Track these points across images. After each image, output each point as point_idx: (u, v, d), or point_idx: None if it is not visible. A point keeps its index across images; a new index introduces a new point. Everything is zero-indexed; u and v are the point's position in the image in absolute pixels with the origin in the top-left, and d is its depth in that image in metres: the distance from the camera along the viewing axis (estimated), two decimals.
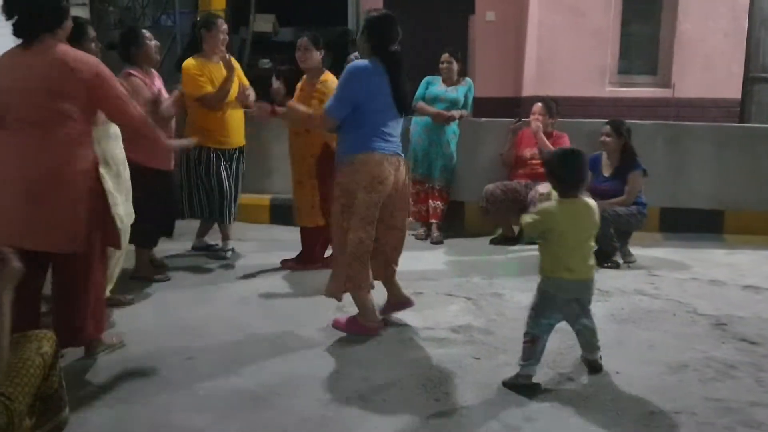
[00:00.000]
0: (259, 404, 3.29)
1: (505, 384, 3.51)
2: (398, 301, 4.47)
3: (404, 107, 4.25)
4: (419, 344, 4.07)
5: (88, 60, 3.54)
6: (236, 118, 5.68)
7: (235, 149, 5.74)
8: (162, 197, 5.06)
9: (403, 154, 4.29)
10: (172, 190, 5.34)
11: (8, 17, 3.44)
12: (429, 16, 10.40)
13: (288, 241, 5.63)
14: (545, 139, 6.44)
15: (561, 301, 3.53)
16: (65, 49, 3.50)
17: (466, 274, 5.46)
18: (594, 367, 3.69)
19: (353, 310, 4.38)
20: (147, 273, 5.18)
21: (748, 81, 10.13)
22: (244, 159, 5.89)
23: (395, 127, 4.22)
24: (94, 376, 3.55)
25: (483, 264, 5.84)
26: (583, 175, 3.57)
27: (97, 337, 3.74)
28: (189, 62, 5.46)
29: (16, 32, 3.45)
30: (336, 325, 4.29)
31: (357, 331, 4.21)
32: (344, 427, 3.11)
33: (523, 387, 3.46)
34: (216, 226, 5.97)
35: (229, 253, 5.89)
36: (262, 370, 3.66)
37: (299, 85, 5.49)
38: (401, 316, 4.49)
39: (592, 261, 3.60)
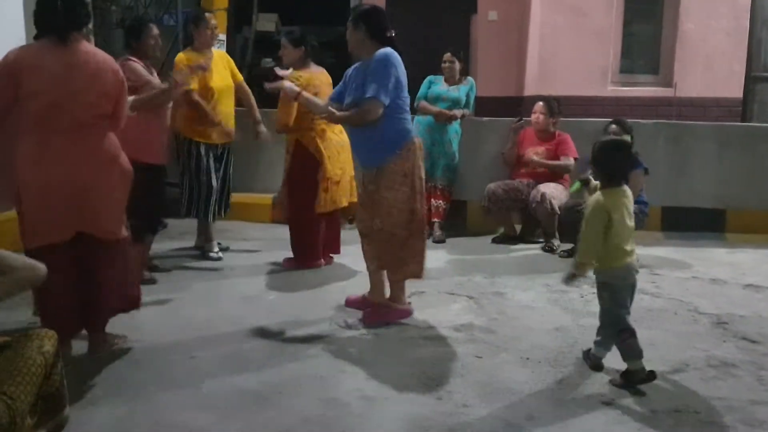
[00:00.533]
0: (261, 403, 3.29)
1: (618, 385, 3.52)
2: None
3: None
4: (421, 343, 4.07)
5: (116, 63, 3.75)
6: (224, 114, 5.66)
7: (223, 146, 5.73)
8: (153, 192, 4.93)
9: None
10: (163, 185, 5.28)
11: (42, 13, 3.51)
12: (431, 15, 10.40)
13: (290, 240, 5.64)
14: (545, 161, 6.46)
15: (628, 285, 3.65)
16: (99, 50, 3.65)
17: (468, 273, 5.47)
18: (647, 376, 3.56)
19: (352, 310, 4.44)
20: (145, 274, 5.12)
21: (750, 80, 10.15)
22: (232, 157, 5.86)
23: None
24: (95, 375, 3.55)
25: (485, 263, 5.85)
26: (629, 165, 3.76)
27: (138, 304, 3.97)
28: (181, 56, 5.54)
29: (49, 29, 3.49)
30: (372, 321, 4.34)
31: (398, 317, 4.40)
32: (346, 426, 3.11)
33: (643, 379, 3.50)
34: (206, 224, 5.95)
35: (215, 254, 5.85)
36: (265, 370, 3.67)
37: None
38: None
39: None
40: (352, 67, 4.40)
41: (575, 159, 6.48)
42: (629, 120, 6.27)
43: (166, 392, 3.39)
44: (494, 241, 6.63)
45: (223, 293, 4.96)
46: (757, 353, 3.96)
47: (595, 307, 4.45)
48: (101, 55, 3.62)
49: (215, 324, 4.32)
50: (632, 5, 10.15)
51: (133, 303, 3.92)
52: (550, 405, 3.31)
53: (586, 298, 4.82)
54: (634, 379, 3.51)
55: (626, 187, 3.68)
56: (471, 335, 4.19)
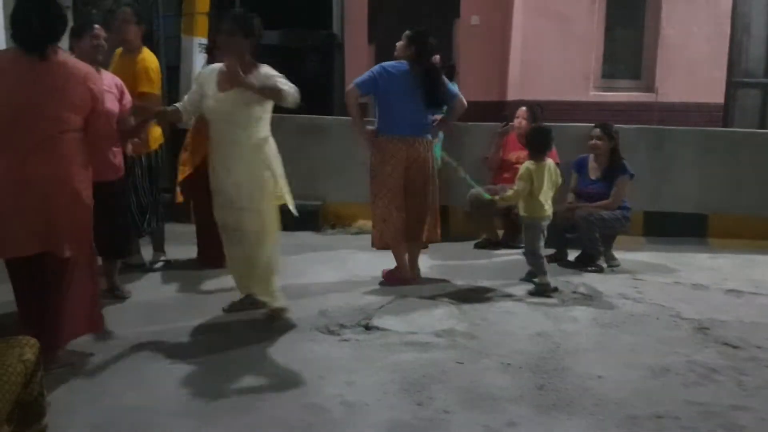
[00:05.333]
0: (241, 409, 3.26)
1: (532, 293, 5.03)
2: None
3: None
4: (402, 349, 4.05)
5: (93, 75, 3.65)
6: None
7: (147, 156, 5.35)
8: (108, 212, 4.30)
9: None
10: (120, 204, 4.80)
11: (17, 27, 3.42)
12: (413, 19, 10.33)
13: None
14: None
15: (542, 228, 5.16)
16: (73, 61, 3.59)
17: (450, 278, 5.46)
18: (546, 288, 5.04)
19: (337, 314, 4.43)
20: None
21: (731, 85, 10.23)
22: (152, 167, 5.43)
23: None
24: (75, 382, 3.51)
25: (467, 268, 5.84)
26: (549, 145, 5.23)
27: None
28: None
29: (26, 44, 3.42)
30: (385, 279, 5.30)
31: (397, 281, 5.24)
32: None
33: (550, 291, 5.01)
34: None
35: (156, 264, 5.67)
36: (245, 376, 3.64)
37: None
38: (384, 320, 4.48)
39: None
40: (396, 68, 5.09)
41: (557, 164, 6.48)
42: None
43: (145, 398, 3.35)
44: (476, 246, 6.62)
45: (203, 300, 4.91)
46: (738, 358, 3.97)
47: (578, 313, 4.49)
48: (73, 66, 3.51)
49: (195, 331, 4.28)
50: (614, 10, 10.19)
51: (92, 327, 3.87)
52: (531, 411, 3.30)
53: (567, 303, 4.82)
54: (543, 291, 5.00)
55: (549, 160, 5.19)
56: (452, 340, 4.17)
